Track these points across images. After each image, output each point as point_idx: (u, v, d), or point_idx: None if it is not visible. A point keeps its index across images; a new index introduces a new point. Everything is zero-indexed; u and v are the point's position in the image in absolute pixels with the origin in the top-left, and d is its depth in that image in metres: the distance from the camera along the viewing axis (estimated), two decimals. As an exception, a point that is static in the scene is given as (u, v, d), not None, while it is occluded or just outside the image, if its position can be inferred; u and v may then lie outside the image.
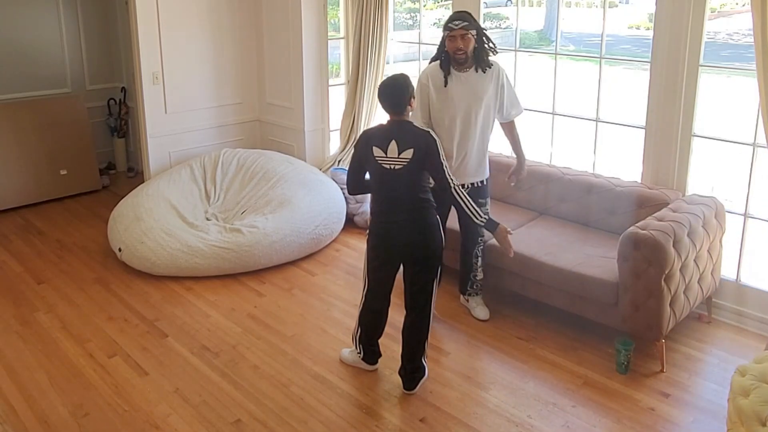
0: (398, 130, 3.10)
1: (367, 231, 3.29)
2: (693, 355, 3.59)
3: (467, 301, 4.07)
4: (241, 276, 4.53)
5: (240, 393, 3.29)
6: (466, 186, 3.70)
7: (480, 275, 3.98)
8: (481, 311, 3.97)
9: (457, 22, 3.56)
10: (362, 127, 5.29)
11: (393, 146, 3.06)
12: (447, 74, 3.63)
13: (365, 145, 3.15)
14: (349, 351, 3.53)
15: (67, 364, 3.55)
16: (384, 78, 3.36)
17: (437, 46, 3.72)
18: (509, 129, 3.92)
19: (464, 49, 3.57)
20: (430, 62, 3.77)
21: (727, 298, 3.91)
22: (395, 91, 3.08)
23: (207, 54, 5.68)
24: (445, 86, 3.63)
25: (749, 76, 3.73)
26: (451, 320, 3.97)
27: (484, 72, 3.65)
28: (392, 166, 3.06)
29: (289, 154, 5.66)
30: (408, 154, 3.04)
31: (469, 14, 3.62)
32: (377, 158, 3.09)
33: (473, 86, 3.65)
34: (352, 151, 3.27)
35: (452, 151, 3.67)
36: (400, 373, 3.34)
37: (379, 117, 5.39)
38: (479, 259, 3.94)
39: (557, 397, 3.25)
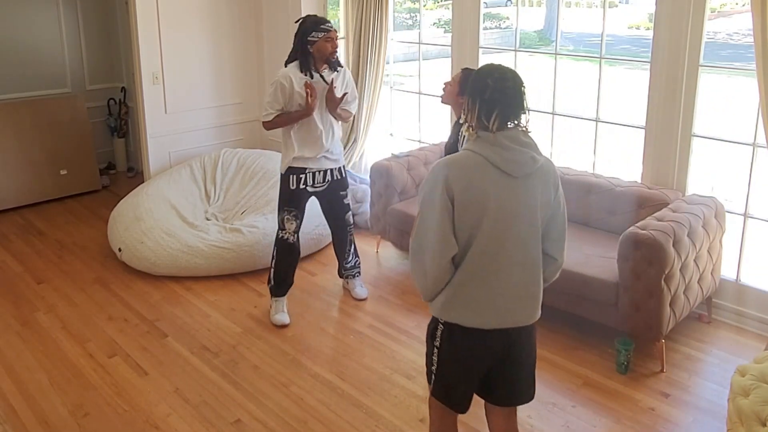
0: None
1: None
2: (693, 355, 3.59)
3: (347, 283, 4.31)
4: (241, 276, 4.53)
5: (240, 393, 3.29)
6: (334, 172, 3.95)
7: (352, 259, 4.23)
8: (360, 291, 4.25)
9: (330, 25, 3.71)
10: (362, 127, 5.28)
11: None
12: (311, 78, 3.70)
13: None
14: None
15: (67, 364, 3.55)
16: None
17: (296, 50, 3.74)
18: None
19: (337, 50, 3.78)
20: (286, 65, 3.77)
21: (727, 298, 3.91)
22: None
23: (207, 54, 5.68)
24: None
25: (749, 76, 3.73)
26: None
27: (338, 71, 3.82)
28: None
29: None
30: None
31: None
32: None
33: (334, 83, 3.81)
34: None
35: (323, 144, 3.82)
36: None
37: (379, 117, 5.39)
38: (352, 245, 4.20)
39: (557, 397, 3.25)
